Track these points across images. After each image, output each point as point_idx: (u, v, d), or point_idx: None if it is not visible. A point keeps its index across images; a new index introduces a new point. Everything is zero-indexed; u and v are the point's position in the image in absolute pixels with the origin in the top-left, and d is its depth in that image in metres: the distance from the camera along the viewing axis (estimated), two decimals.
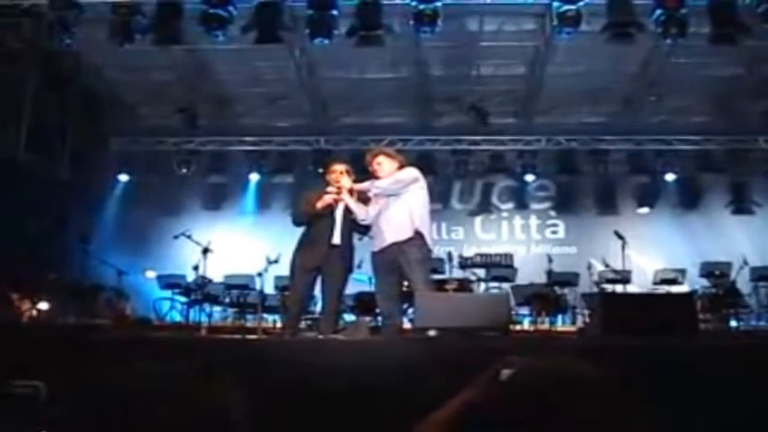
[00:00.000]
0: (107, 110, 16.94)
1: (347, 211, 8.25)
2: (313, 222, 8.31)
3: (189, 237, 12.57)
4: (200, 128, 16.91)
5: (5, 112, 13.87)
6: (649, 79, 15.54)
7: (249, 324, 13.25)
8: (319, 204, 8.11)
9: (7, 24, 12.54)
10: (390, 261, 7.74)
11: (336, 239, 8.18)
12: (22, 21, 12.69)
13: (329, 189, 8.20)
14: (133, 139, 17.74)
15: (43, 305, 12.17)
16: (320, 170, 14.91)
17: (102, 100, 16.55)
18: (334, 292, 8.25)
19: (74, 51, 13.98)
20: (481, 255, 14.15)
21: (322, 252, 8.13)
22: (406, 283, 8.31)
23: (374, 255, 8.00)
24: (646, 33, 12.46)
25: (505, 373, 2.01)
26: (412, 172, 8.06)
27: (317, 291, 8.54)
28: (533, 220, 18.08)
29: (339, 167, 8.46)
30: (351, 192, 8.12)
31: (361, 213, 8.09)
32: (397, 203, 7.84)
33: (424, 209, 7.94)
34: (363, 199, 8.20)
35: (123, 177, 17.75)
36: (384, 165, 8.09)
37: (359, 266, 12.81)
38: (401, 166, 8.14)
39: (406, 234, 7.69)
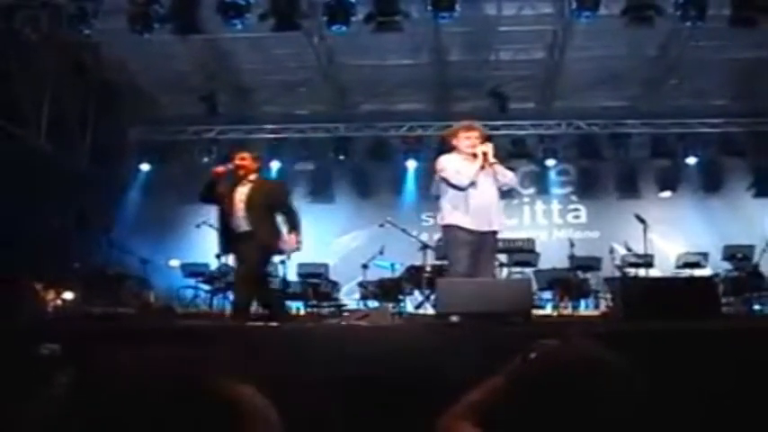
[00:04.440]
0: (127, 100, 17.00)
1: (257, 196, 8.21)
2: (218, 204, 8.35)
3: (211, 225, 12.61)
4: (220, 116, 16.96)
5: (26, 105, 13.94)
6: (669, 63, 15.44)
7: None
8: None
9: (26, 17, 12.59)
10: (483, 243, 7.75)
11: (242, 225, 8.14)
12: (41, 13, 12.75)
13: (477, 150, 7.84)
14: (154, 128, 17.80)
15: (68, 295, 12.25)
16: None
17: (122, 90, 16.61)
18: (249, 280, 8.13)
19: (93, 42, 14.06)
20: (503, 240, 14.00)
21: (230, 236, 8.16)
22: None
23: (467, 232, 7.72)
24: (665, 16, 12.41)
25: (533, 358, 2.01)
26: None
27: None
28: (555, 205, 18.06)
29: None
30: (485, 158, 7.81)
31: (507, 178, 8.07)
32: (497, 195, 7.95)
33: None
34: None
35: (144, 167, 17.84)
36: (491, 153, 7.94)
37: (381, 252, 12.83)
38: None
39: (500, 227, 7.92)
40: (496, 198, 7.93)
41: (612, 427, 1.72)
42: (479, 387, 2.19)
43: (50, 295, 11.83)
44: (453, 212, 7.75)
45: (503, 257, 13.34)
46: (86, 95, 15.50)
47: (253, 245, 8.01)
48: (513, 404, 1.91)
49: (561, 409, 1.72)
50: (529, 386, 1.85)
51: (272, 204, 8.33)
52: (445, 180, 7.85)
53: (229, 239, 8.28)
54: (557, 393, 1.75)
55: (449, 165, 7.88)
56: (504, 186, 8.00)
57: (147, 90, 17.31)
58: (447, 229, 7.81)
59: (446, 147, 8.33)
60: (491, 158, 7.78)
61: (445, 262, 9.00)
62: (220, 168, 8.40)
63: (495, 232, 7.86)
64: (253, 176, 8.38)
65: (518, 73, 16.32)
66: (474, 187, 7.74)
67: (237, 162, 8.37)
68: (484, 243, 7.72)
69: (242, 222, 8.10)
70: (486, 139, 8.03)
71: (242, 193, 8.22)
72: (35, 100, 14.08)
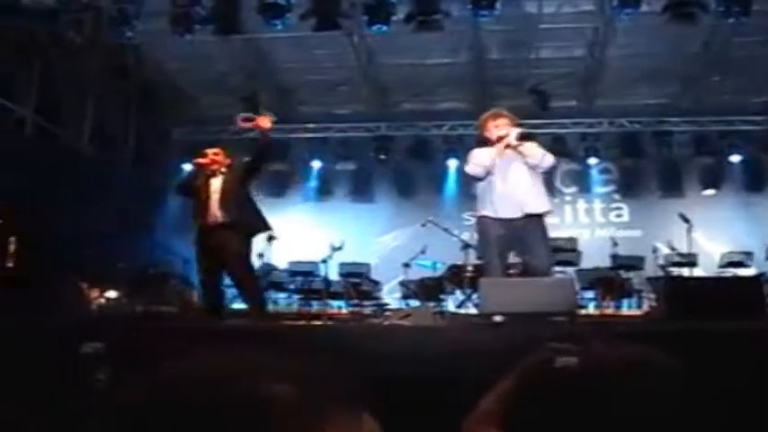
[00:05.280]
0: (168, 101, 17.15)
1: (230, 180, 8.17)
2: (194, 198, 8.28)
3: None
4: None
5: (69, 107, 14.13)
6: (711, 59, 15.29)
7: (314, 310, 13.33)
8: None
9: (69, 20, 12.73)
10: (521, 232, 7.25)
11: (219, 217, 8.04)
12: (84, 15, 12.88)
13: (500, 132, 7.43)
14: (195, 128, 17.85)
15: (112, 293, 12.36)
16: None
17: (164, 91, 16.76)
18: (240, 274, 8.10)
19: (135, 44, 14.20)
20: None
21: (202, 231, 8.06)
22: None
23: (496, 222, 7.28)
24: (707, 13, 12.30)
25: (561, 361, 1.96)
26: None
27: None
28: (597, 204, 17.95)
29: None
30: (500, 140, 7.35)
31: (537, 158, 7.41)
32: (530, 178, 7.42)
33: None
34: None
35: (187, 167, 17.89)
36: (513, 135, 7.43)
37: (423, 252, 12.79)
38: None
39: (540, 209, 7.33)
40: (528, 181, 7.32)
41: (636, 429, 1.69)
42: (494, 389, 2.15)
43: (95, 294, 11.96)
44: (481, 204, 7.36)
45: None
46: (128, 97, 15.66)
47: (232, 235, 7.93)
48: (530, 406, 1.88)
49: (579, 412, 1.70)
50: (543, 389, 1.82)
51: (243, 176, 8.31)
52: (468, 173, 7.53)
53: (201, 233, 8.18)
54: (572, 396, 1.72)
55: (472, 158, 7.52)
56: (538, 168, 7.42)
57: (188, 91, 17.43)
58: (477, 222, 7.58)
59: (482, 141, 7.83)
60: (513, 141, 7.30)
61: None
62: (203, 160, 8.40)
63: (534, 216, 7.26)
64: (224, 169, 8.34)
65: (559, 71, 16.20)
66: (495, 173, 7.27)
67: (211, 157, 8.34)
68: (522, 231, 7.22)
69: (218, 214, 8.00)
70: (517, 124, 7.55)
71: (215, 183, 8.18)
72: (78, 102, 14.25)
